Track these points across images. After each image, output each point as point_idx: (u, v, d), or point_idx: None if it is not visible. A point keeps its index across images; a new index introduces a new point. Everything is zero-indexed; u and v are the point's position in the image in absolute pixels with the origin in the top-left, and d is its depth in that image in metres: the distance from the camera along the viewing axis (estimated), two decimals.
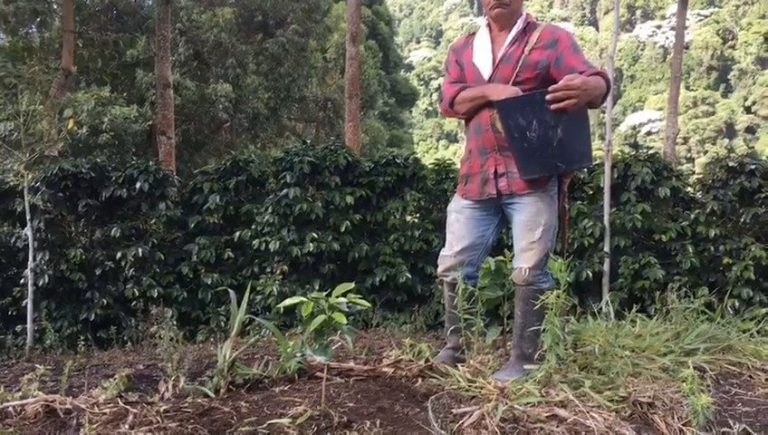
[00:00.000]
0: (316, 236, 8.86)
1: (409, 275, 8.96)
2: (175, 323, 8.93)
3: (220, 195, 9.23)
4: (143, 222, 9.29)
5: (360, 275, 9.25)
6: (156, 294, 8.90)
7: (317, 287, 8.93)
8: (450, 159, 10.34)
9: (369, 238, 9.40)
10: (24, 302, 8.92)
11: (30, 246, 8.86)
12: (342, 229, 8.96)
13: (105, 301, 9.04)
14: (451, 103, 3.50)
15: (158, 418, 2.49)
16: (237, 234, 9.13)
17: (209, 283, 9.06)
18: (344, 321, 2.42)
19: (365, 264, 9.15)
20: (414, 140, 42.90)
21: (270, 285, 8.80)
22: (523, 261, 3.30)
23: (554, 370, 2.89)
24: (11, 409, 2.58)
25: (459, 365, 3.15)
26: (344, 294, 2.55)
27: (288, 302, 2.49)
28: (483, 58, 3.43)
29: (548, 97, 3.10)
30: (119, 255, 9.00)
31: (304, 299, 2.49)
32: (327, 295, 2.53)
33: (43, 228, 9.03)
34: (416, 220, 9.50)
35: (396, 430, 2.46)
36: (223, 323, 9.03)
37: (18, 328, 9.00)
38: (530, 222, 3.26)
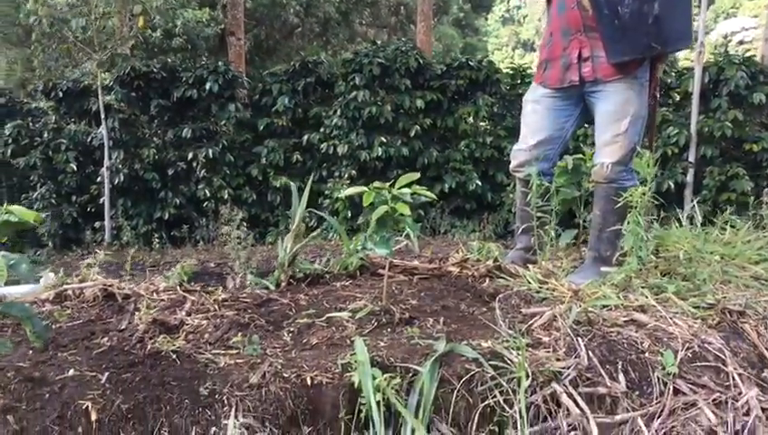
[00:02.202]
0: (385, 140, 8.67)
1: (480, 183, 8.73)
2: (244, 224, 9.14)
3: (289, 97, 9.08)
4: (213, 124, 9.29)
5: (429, 181, 9.04)
6: (226, 196, 8.98)
7: None
8: (526, 64, 9.85)
9: (439, 144, 9.16)
10: (102, 199, 9.18)
11: (105, 144, 9.04)
12: (412, 134, 8.74)
13: (178, 201, 9.20)
14: None
15: (216, 306, 2.43)
16: (306, 137, 9.03)
17: (278, 185, 9.06)
18: (407, 211, 2.25)
19: (434, 170, 8.95)
20: (489, 48, 41.44)
21: (338, 189, 8.73)
22: (605, 156, 3.01)
23: (635, 274, 2.66)
24: (70, 292, 2.57)
25: (530, 266, 2.94)
26: (408, 185, 2.36)
27: (350, 191, 2.33)
28: None
29: None
30: (190, 155, 9.06)
31: (365, 189, 2.32)
32: (390, 185, 2.35)
33: (117, 128, 9.15)
34: (488, 126, 9.15)
35: (460, 328, 2.31)
36: (290, 226, 9.09)
37: (96, 224, 9.30)
38: (616, 112, 2.94)
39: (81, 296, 2.55)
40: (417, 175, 2.36)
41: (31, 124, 9.48)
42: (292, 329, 2.29)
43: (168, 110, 9.34)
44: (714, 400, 2.10)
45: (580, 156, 3.46)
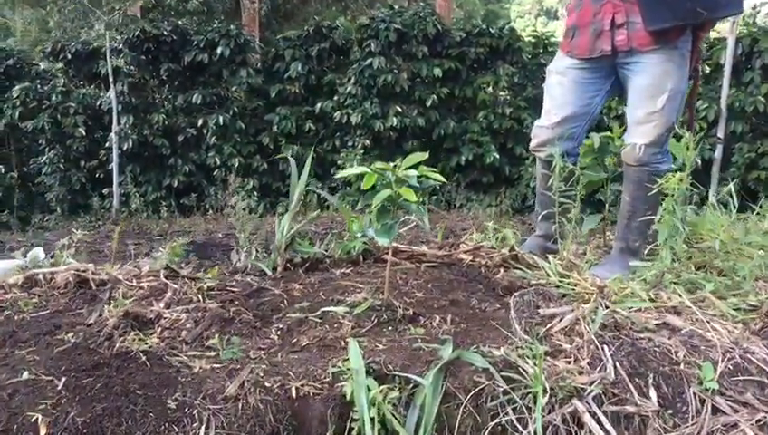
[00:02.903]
0: (400, 109, 8.37)
1: (497, 156, 8.41)
2: (255, 194, 8.93)
3: (302, 63, 8.76)
4: (225, 89, 9.02)
5: (445, 153, 8.77)
6: (236, 164, 8.75)
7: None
8: (549, 32, 9.45)
9: (457, 114, 8.83)
10: (110, 165, 8.99)
11: (113, 109, 8.81)
12: (428, 104, 8.42)
13: (188, 168, 8.99)
14: None
15: (200, 296, 2.19)
16: (319, 105, 8.74)
17: (290, 154, 8.79)
18: (413, 197, 1.98)
19: (451, 141, 8.65)
20: (511, 16, 40.55)
21: (351, 159, 8.47)
22: (638, 136, 2.68)
23: (667, 269, 2.38)
24: (41, 276, 2.34)
25: (549, 256, 2.66)
26: (416, 166, 2.09)
27: (347, 172, 2.06)
28: None
29: None
30: (200, 122, 8.82)
31: (367, 170, 2.05)
32: (395, 167, 2.08)
33: (126, 92, 8.92)
34: (508, 97, 8.80)
35: (469, 328, 2.06)
36: (303, 196, 8.87)
37: (105, 191, 9.12)
38: (652, 87, 2.62)
39: (53, 282, 2.32)
40: (425, 155, 2.08)
41: (39, 87, 9.25)
42: (281, 326, 2.04)
43: (178, 74, 9.07)
44: (758, 421, 1.83)
45: (607, 133, 3.15)
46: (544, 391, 1.72)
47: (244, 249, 3.51)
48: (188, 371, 1.71)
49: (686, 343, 2.02)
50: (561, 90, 2.85)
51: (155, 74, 9.16)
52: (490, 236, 3.17)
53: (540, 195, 2.95)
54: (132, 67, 9.00)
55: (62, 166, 9.10)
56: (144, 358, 1.76)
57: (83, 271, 2.33)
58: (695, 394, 1.86)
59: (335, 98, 8.70)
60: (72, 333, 1.90)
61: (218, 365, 1.75)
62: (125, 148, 8.89)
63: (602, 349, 1.90)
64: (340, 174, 2.09)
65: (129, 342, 1.83)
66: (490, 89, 8.66)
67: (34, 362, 1.74)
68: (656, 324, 2.11)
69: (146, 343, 1.83)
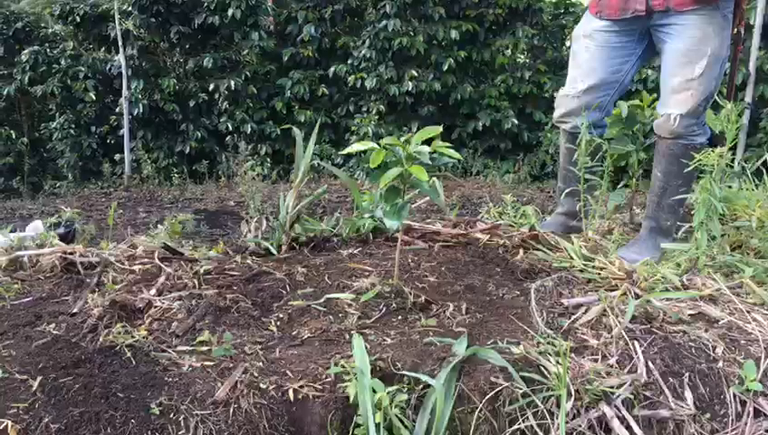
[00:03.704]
0: (416, 73, 8.11)
1: (516, 121, 8.15)
2: (268, 160, 8.76)
3: (315, 25, 8.51)
4: (236, 53, 8.80)
5: (462, 118, 8.53)
6: (249, 130, 8.57)
7: (415, 130, 8.30)
8: None
9: (474, 79, 8.56)
10: (121, 131, 8.85)
11: (123, 73, 8.64)
12: (445, 67, 8.14)
13: (199, 134, 8.82)
14: None
15: (195, 281, 2.03)
16: (332, 69, 8.50)
17: (303, 120, 8.60)
18: (424, 177, 1.79)
19: (468, 106, 8.39)
20: None
21: (365, 125, 8.26)
22: (673, 105, 2.41)
23: (703, 253, 2.18)
24: (26, 259, 2.19)
25: (573, 236, 2.46)
26: (429, 142, 1.90)
27: (352, 148, 1.87)
28: None
29: None
30: (212, 86, 8.62)
31: (375, 146, 1.86)
32: (406, 142, 1.89)
33: (136, 55, 8.73)
34: (527, 60, 8.51)
35: (486, 319, 1.89)
36: (316, 163, 8.68)
37: (116, 157, 9.00)
38: (690, 52, 2.37)
39: (38, 265, 2.17)
40: (440, 129, 1.89)
41: (48, 50, 9.07)
42: (281, 315, 1.89)
43: (188, 37, 8.84)
44: None
45: (637, 101, 2.92)
46: (569, 394, 1.56)
47: (254, 219, 3.36)
48: (176, 369, 1.56)
49: (724, 337, 1.84)
50: (589, 55, 2.61)
51: (165, 37, 8.94)
52: (509, 212, 2.97)
53: (563, 169, 2.73)
54: (142, 30, 8.81)
55: (72, 131, 8.97)
56: (129, 354, 1.61)
57: (71, 253, 2.18)
58: (735, 396, 1.69)
59: (349, 61, 8.45)
60: (53, 325, 1.76)
61: (210, 363, 1.59)
62: (135, 113, 8.74)
63: (633, 345, 1.73)
64: (346, 150, 1.91)
65: (114, 335, 1.68)
66: (509, 52, 8.37)
67: (10, 359, 1.60)
68: (690, 315, 1.93)
69: (132, 337, 1.68)
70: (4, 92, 9.02)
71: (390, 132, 8.37)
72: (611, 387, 1.58)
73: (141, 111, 8.72)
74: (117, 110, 8.97)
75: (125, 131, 8.77)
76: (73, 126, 9.00)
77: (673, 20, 2.42)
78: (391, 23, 7.98)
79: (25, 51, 8.95)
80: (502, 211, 3.40)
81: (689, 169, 2.25)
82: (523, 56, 8.55)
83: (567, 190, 2.67)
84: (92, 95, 8.89)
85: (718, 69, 2.41)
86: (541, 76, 8.16)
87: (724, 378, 1.72)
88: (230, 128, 8.67)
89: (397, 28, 7.98)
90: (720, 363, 1.74)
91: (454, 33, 8.05)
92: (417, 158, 1.85)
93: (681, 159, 2.35)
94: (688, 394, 1.66)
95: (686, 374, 1.70)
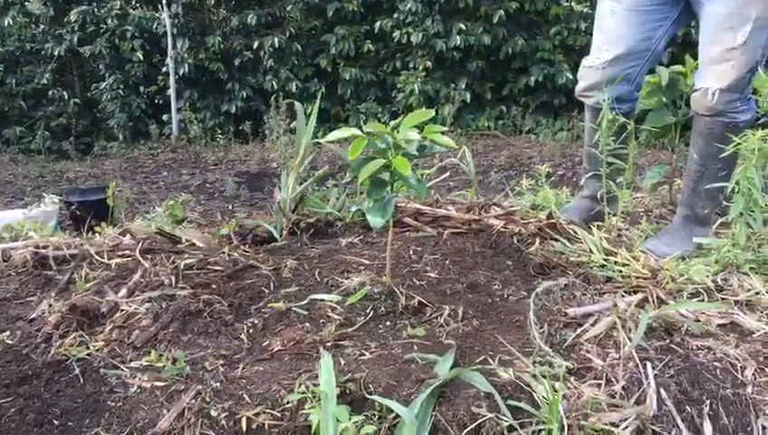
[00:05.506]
0: (464, 27, 7.73)
1: (570, 76, 7.70)
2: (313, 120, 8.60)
3: None
4: (280, 9, 8.58)
5: (513, 73, 8.14)
6: (294, 88, 8.41)
7: (463, 87, 8.00)
8: None
9: (526, 31, 8.10)
10: (169, 91, 8.84)
11: (168, 32, 8.57)
12: (495, 19, 7.73)
13: (245, 93, 8.73)
14: None
15: (172, 278, 1.89)
16: (378, 24, 8.20)
17: (348, 78, 8.38)
18: (407, 171, 1.58)
19: (519, 61, 7.99)
20: None
21: (412, 82, 7.98)
22: (711, 78, 2.09)
23: (740, 249, 1.89)
24: None
25: (595, 225, 2.20)
26: (420, 128, 1.67)
27: (333, 136, 1.67)
28: None
29: None
30: (256, 44, 8.46)
31: (358, 133, 1.64)
32: (393, 128, 1.67)
33: (181, 13, 8.63)
34: (584, 9, 7.99)
35: (482, 327, 1.68)
36: (362, 121, 8.48)
37: (164, 117, 9.01)
38: (731, 17, 2.01)
39: (10, 260, 2.07)
40: (432, 113, 1.66)
41: (96, 10, 9.06)
42: (256, 321, 1.73)
43: None
44: None
45: (680, 67, 2.59)
46: (561, 428, 1.35)
47: (291, 181, 3.21)
48: (123, 391, 1.43)
49: (757, 355, 1.59)
50: (615, 20, 2.29)
51: None
52: (542, 185, 2.70)
53: (587, 150, 2.45)
54: None
55: (121, 92, 9.01)
56: (78, 370, 1.49)
57: (43, 247, 2.07)
58: (763, 428, 1.45)
59: (395, 16, 8.13)
60: (8, 332, 1.65)
61: (160, 384, 1.45)
62: (181, 73, 8.68)
63: (643, 367, 1.50)
64: (326, 138, 1.70)
65: (67, 346, 1.56)
66: (564, 1, 7.87)
67: None
68: (720, 326, 1.68)
69: (87, 348, 1.56)
70: (56, 53, 9.09)
71: (438, 90, 8.08)
72: (611, 425, 1.36)
73: (187, 70, 8.66)
74: (163, 69, 8.94)
75: (171, 92, 8.75)
76: (122, 86, 9.04)
77: None
78: None
79: (74, 10, 8.96)
80: (535, 183, 3.15)
81: (728, 151, 1.95)
82: (579, 5, 8.03)
83: (591, 172, 2.39)
84: (140, 55, 8.86)
85: (765, 36, 2.05)
86: None
87: (752, 406, 1.48)
88: (275, 86, 8.53)
89: None
90: (749, 389, 1.50)
91: None
92: (403, 148, 1.64)
93: (720, 140, 2.05)
94: (707, 427, 1.43)
95: (707, 402, 1.47)
